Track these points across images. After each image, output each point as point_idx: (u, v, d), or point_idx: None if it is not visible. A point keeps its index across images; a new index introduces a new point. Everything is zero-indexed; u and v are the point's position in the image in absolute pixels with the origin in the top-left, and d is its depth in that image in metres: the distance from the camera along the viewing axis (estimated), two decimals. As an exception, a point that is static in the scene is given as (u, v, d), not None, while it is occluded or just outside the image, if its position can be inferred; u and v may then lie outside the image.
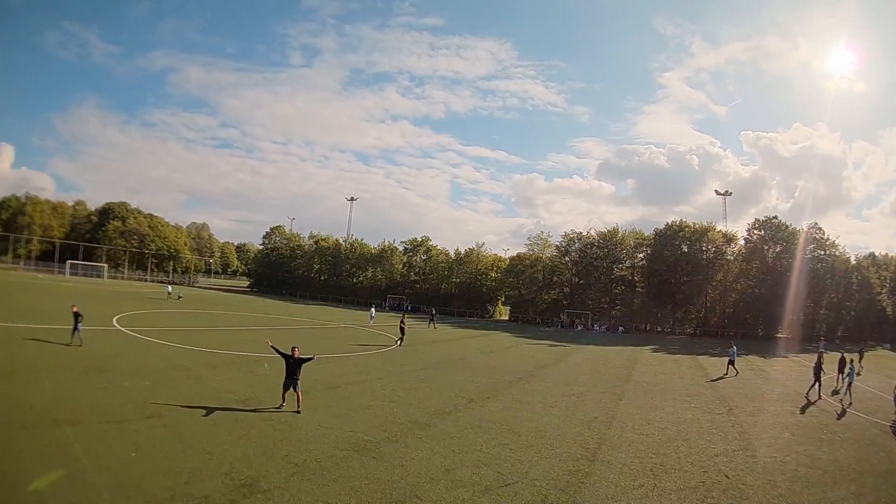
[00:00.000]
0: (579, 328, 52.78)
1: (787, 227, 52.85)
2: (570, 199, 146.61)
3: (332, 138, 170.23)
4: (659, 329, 55.47)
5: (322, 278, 72.25)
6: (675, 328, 54.97)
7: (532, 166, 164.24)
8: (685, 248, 53.87)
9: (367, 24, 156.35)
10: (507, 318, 62.74)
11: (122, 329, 19.80)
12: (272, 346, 10.83)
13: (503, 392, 14.72)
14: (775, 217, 53.87)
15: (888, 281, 53.78)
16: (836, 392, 17.78)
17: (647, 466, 8.68)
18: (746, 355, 28.67)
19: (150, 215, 79.94)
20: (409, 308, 58.78)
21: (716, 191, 63.63)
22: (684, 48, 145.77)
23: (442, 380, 15.96)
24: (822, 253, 51.63)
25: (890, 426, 13.35)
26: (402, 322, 25.33)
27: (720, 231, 55.49)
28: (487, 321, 56.87)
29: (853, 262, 54.51)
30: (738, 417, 13.38)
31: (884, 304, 52.94)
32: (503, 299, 67.13)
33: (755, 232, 54.27)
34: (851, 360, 17.48)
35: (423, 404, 12.25)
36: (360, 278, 71.00)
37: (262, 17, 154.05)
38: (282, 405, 10.34)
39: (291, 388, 10.30)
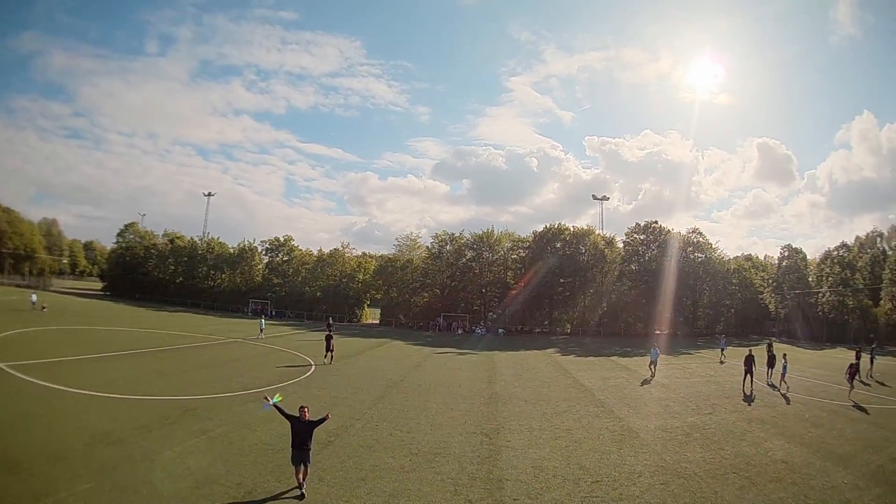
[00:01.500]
0: (459, 332, 49.51)
1: (666, 231, 53.67)
2: (403, 197, 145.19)
3: (175, 131, 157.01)
4: (538, 330, 54.07)
5: (178, 281, 63.29)
6: (555, 328, 54.25)
7: (367, 165, 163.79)
8: (566, 251, 53.37)
9: (226, 14, 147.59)
10: (376, 321, 57.90)
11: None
12: (276, 407, 8.20)
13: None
14: (655, 222, 54.49)
15: (771, 281, 56.84)
16: (772, 385, 19.22)
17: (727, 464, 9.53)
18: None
19: (8, 209, 68.87)
20: (273, 313, 52.90)
21: (593, 195, 64.21)
22: (537, 55, 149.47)
23: (445, 413, 13.23)
24: (702, 256, 53.31)
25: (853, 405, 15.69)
26: (329, 332, 22.80)
27: (600, 234, 55.90)
28: (355, 326, 51.90)
29: (734, 265, 57.06)
30: (729, 415, 14.06)
31: (767, 301, 55.91)
32: (368, 302, 61.75)
33: (635, 235, 54.92)
34: (784, 355, 19.80)
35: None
36: (219, 281, 62.68)
37: (126, 1, 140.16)
38: (301, 492, 7.48)
39: (301, 464, 7.66)
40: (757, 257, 64.06)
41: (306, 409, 8.00)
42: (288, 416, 7.91)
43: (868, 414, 14.79)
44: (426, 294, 56.94)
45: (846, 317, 49.08)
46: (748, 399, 16.72)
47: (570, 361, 27.74)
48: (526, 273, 54.01)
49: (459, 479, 8.38)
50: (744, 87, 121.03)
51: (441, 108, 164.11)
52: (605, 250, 54.30)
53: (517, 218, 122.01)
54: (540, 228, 56.13)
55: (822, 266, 52.36)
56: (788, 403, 16.15)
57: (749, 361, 18.23)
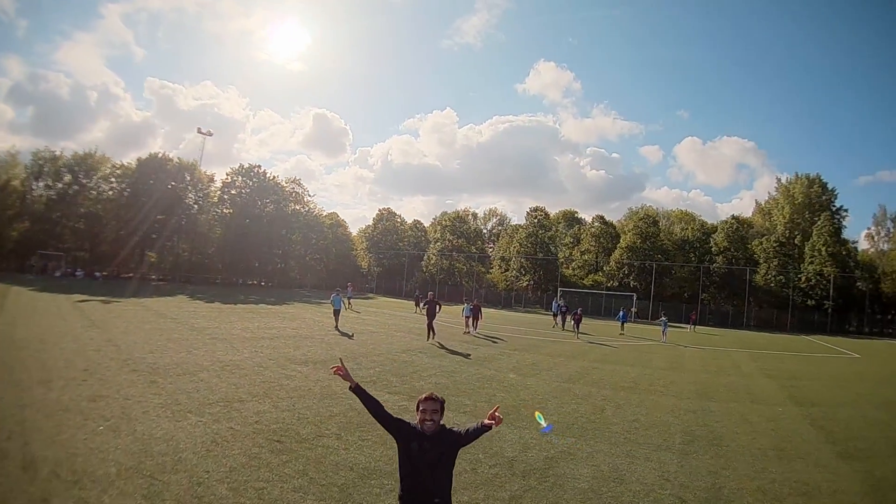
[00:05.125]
0: (58, 273, 42.53)
1: (271, 177, 53.37)
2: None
3: None
4: (130, 275, 47.28)
5: None
6: (147, 272, 48.94)
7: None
8: (171, 184, 48.43)
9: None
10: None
11: None
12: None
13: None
14: (258, 166, 53.58)
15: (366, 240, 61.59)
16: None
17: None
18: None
19: None
20: None
21: (198, 129, 56.09)
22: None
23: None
24: (300, 207, 54.56)
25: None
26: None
27: (206, 172, 53.01)
28: None
29: (328, 220, 59.85)
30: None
31: (360, 259, 61.14)
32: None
33: (237, 177, 53.02)
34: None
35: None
36: None
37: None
38: None
39: None
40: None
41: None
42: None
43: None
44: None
45: (459, 278, 56.64)
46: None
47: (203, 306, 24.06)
48: (125, 206, 47.97)
49: None
50: (322, 61, 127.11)
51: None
52: (209, 188, 52.28)
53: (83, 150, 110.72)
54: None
55: (434, 231, 59.77)
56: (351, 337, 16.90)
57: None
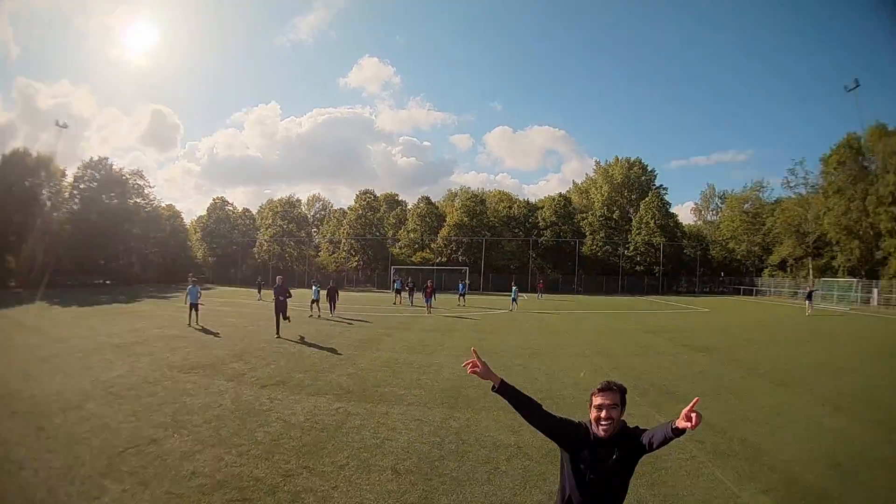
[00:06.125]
0: None
1: (118, 171, 51.80)
2: None
3: None
4: None
5: None
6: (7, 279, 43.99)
7: None
8: (28, 181, 45.48)
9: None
10: None
11: None
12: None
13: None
14: (106, 158, 51.79)
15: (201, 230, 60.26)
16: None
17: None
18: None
19: None
20: None
21: (56, 121, 53.13)
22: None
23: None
24: (142, 201, 53.71)
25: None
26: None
27: (60, 167, 49.51)
28: None
29: (167, 212, 58.62)
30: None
31: (195, 249, 59.86)
32: None
33: (86, 171, 51.03)
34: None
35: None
36: None
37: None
38: None
39: None
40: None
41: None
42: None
43: None
44: None
45: (290, 263, 56.87)
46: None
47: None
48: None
49: None
50: (169, 56, 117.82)
51: None
52: (63, 183, 49.41)
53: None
54: None
55: (263, 218, 60.13)
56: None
57: None
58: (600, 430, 2.38)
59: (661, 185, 63.19)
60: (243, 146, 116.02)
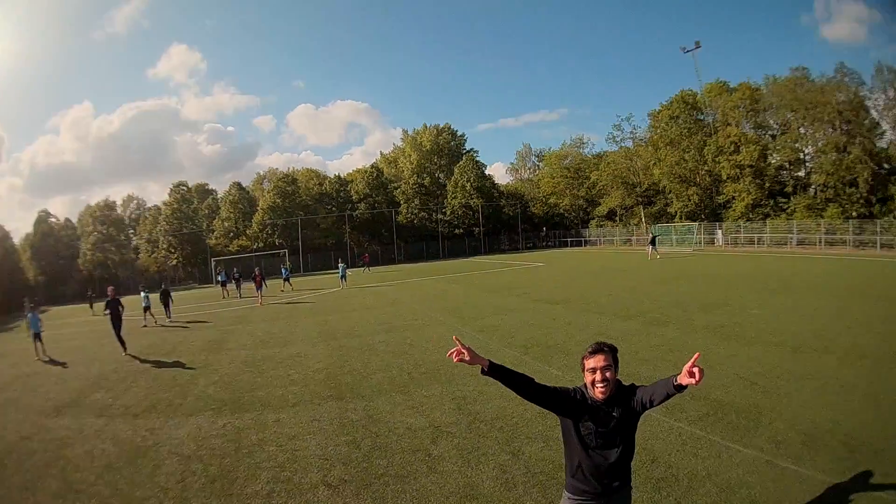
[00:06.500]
0: None
1: None
2: None
3: None
4: None
5: None
6: None
7: None
8: None
9: None
10: None
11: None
12: None
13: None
14: None
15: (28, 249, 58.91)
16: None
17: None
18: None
19: None
20: None
21: None
22: None
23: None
24: None
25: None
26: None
27: None
28: None
29: None
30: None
31: (25, 268, 57.95)
32: None
33: None
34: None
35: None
36: None
37: None
38: None
39: None
40: None
41: None
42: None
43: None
44: None
45: (115, 270, 56.95)
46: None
47: None
48: None
49: None
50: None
51: None
52: None
53: None
54: None
55: (83, 227, 59.48)
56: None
57: None
58: (597, 393, 2.41)
59: (473, 149, 67.19)
60: (60, 152, 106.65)
